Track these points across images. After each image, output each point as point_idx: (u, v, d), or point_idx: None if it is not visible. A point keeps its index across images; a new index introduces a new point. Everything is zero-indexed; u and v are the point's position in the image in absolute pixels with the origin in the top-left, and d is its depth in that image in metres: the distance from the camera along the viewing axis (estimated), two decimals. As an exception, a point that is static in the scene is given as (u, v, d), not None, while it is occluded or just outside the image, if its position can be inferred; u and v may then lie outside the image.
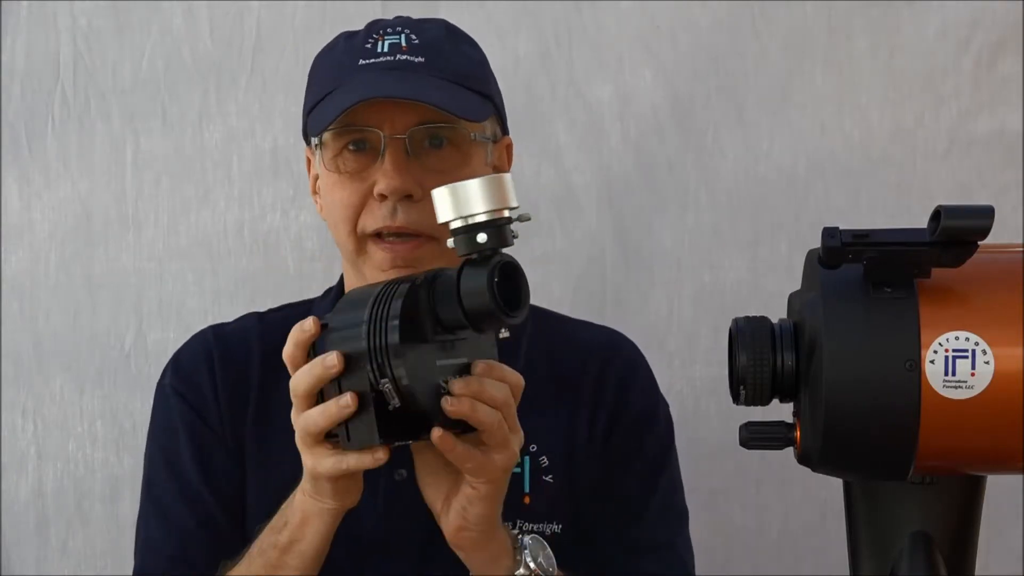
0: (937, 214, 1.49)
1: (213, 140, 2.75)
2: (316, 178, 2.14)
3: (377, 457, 1.75)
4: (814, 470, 1.57)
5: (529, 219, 1.71)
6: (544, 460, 2.10)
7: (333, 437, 1.79)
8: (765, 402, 1.58)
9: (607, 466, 2.12)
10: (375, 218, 2.04)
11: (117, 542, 2.70)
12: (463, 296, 1.70)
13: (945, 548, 1.58)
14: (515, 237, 1.70)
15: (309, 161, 2.16)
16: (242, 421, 2.12)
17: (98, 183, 2.74)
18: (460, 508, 1.85)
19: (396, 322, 1.72)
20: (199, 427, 2.12)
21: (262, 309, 2.25)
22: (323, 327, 1.80)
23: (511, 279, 1.71)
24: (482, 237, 1.68)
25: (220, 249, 2.75)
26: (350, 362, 1.75)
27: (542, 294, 2.13)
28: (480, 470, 1.81)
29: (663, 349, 2.68)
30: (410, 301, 1.73)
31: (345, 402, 1.74)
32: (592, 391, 2.14)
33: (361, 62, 2.07)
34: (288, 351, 1.81)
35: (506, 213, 1.69)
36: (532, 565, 1.92)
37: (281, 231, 2.75)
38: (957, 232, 1.48)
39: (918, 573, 1.56)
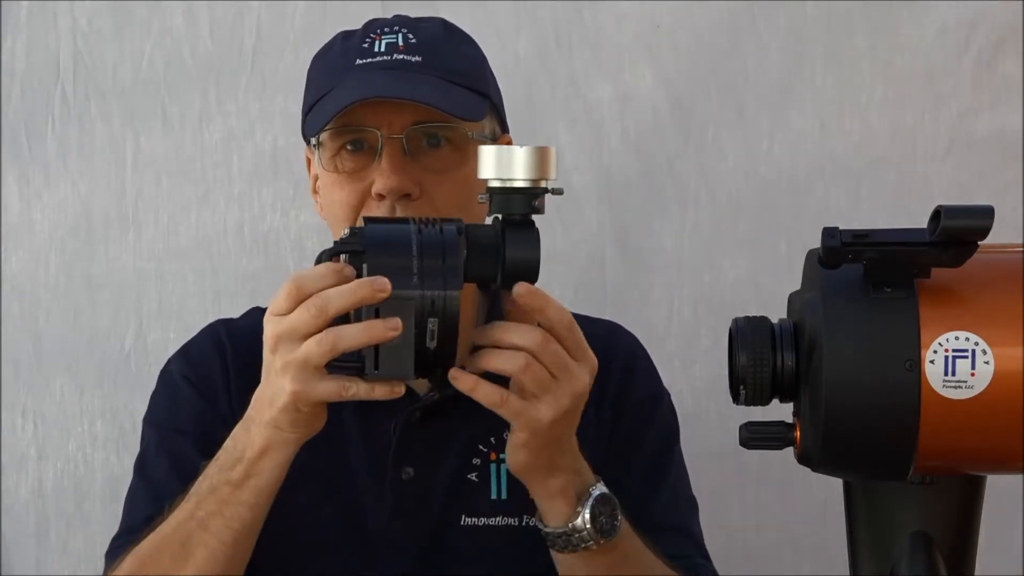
0: (937, 214, 1.49)
1: (213, 140, 2.75)
2: (316, 178, 2.14)
3: (396, 391, 1.69)
4: (814, 470, 1.57)
5: (562, 192, 1.73)
6: None
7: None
8: (765, 402, 1.58)
9: (615, 457, 2.11)
10: None
11: (117, 542, 2.70)
12: (509, 252, 1.71)
13: (945, 548, 1.57)
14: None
15: (309, 161, 2.16)
16: None
17: (98, 183, 2.74)
18: (507, 454, 1.83)
19: (462, 266, 1.69)
20: (208, 414, 2.09)
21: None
22: (340, 252, 1.73)
23: None
24: (539, 203, 1.70)
25: (220, 249, 2.75)
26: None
27: (542, 294, 2.13)
28: (517, 416, 1.76)
29: (663, 349, 2.67)
30: (462, 247, 1.70)
31: (395, 324, 1.65)
32: (595, 385, 2.14)
33: (358, 62, 2.07)
34: (335, 296, 1.68)
35: (543, 184, 1.71)
36: (588, 522, 1.87)
37: (281, 231, 2.75)
38: (957, 232, 1.48)
39: (918, 573, 1.56)
